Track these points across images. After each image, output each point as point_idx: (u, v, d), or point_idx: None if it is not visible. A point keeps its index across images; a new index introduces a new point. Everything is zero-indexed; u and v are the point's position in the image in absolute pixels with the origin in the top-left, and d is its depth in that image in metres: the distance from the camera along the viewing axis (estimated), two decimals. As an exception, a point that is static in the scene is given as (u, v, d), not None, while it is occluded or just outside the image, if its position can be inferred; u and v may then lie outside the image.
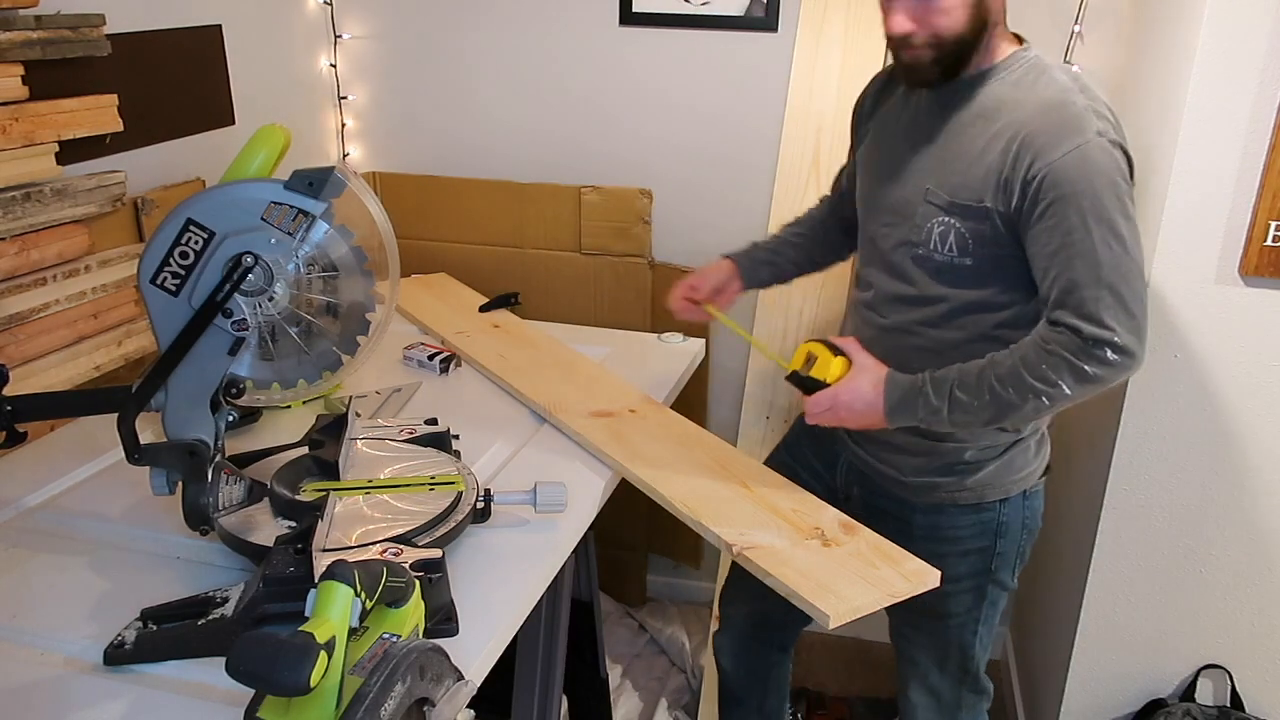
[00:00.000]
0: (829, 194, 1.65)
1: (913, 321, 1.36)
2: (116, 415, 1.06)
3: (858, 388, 1.29)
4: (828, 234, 1.62)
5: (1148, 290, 1.21)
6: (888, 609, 1.20)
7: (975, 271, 1.28)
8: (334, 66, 2.26)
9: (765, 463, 1.48)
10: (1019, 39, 1.31)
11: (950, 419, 1.25)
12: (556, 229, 2.21)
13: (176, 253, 1.06)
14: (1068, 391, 1.19)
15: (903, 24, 1.23)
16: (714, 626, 1.99)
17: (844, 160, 1.60)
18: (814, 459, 1.57)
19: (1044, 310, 1.22)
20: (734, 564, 1.26)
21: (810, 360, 1.33)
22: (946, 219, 1.27)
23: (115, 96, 1.56)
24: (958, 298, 1.31)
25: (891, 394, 1.27)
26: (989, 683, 1.58)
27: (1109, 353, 1.17)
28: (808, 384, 1.31)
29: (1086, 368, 1.18)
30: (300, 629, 0.75)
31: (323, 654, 0.74)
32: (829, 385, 1.31)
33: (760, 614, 1.70)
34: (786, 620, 1.49)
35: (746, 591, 1.67)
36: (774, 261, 1.61)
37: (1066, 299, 1.18)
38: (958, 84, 1.29)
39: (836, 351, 1.31)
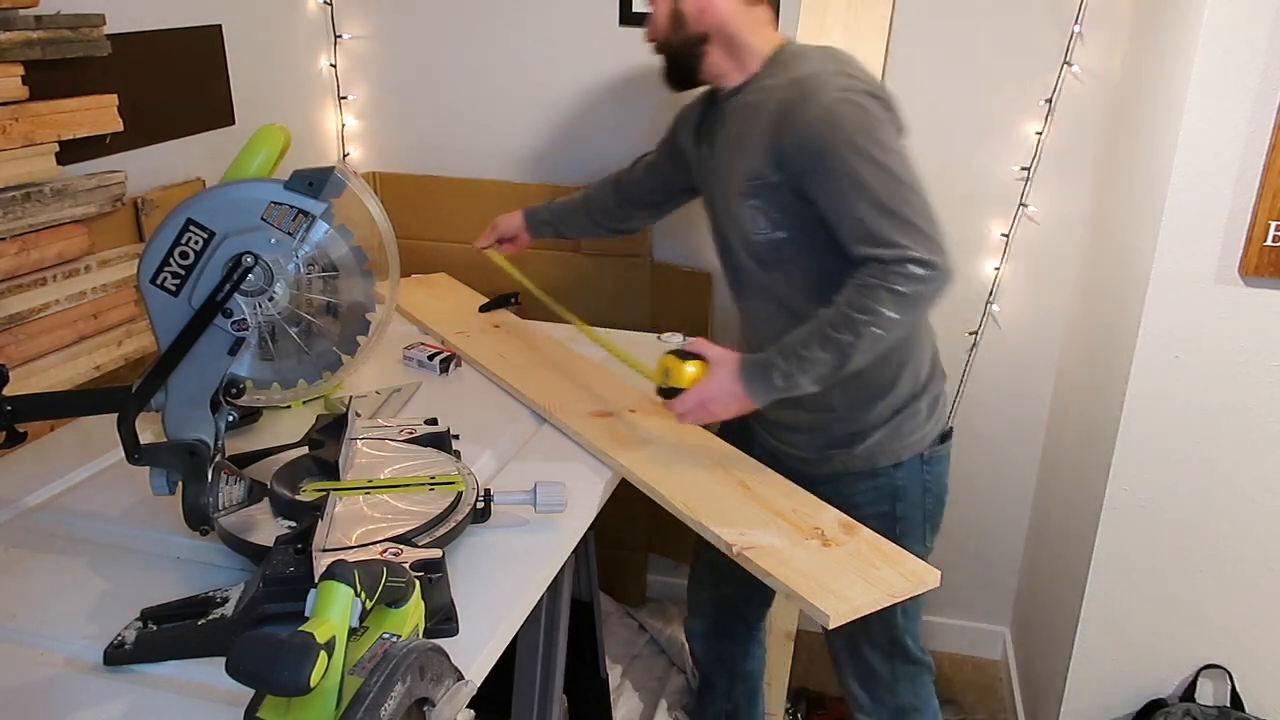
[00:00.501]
0: (629, 167, 1.83)
1: (780, 309, 1.48)
2: (116, 415, 1.06)
3: (718, 381, 1.38)
4: (609, 213, 1.85)
5: (930, 205, 1.32)
6: None
7: (793, 241, 1.42)
8: (334, 66, 2.26)
9: None
10: (783, 39, 1.47)
11: (805, 377, 1.33)
12: (556, 229, 2.20)
13: (176, 253, 1.06)
14: (892, 315, 1.28)
15: (649, 29, 1.52)
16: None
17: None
18: (734, 441, 1.60)
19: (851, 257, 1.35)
20: (697, 551, 1.29)
21: (667, 372, 1.41)
22: (751, 201, 1.42)
23: (115, 96, 1.56)
24: (797, 271, 1.44)
25: (746, 375, 1.36)
26: (924, 654, 1.62)
27: (911, 268, 1.27)
28: (671, 394, 1.41)
29: (898, 288, 1.27)
30: (300, 629, 0.75)
31: (323, 654, 0.74)
32: (685, 389, 1.39)
33: (723, 597, 1.80)
34: (748, 602, 1.58)
35: (709, 576, 1.81)
36: (554, 223, 1.89)
37: (860, 236, 1.31)
38: (733, 97, 1.47)
39: (686, 356, 1.41)
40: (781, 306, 1.48)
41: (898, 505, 1.52)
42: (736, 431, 1.63)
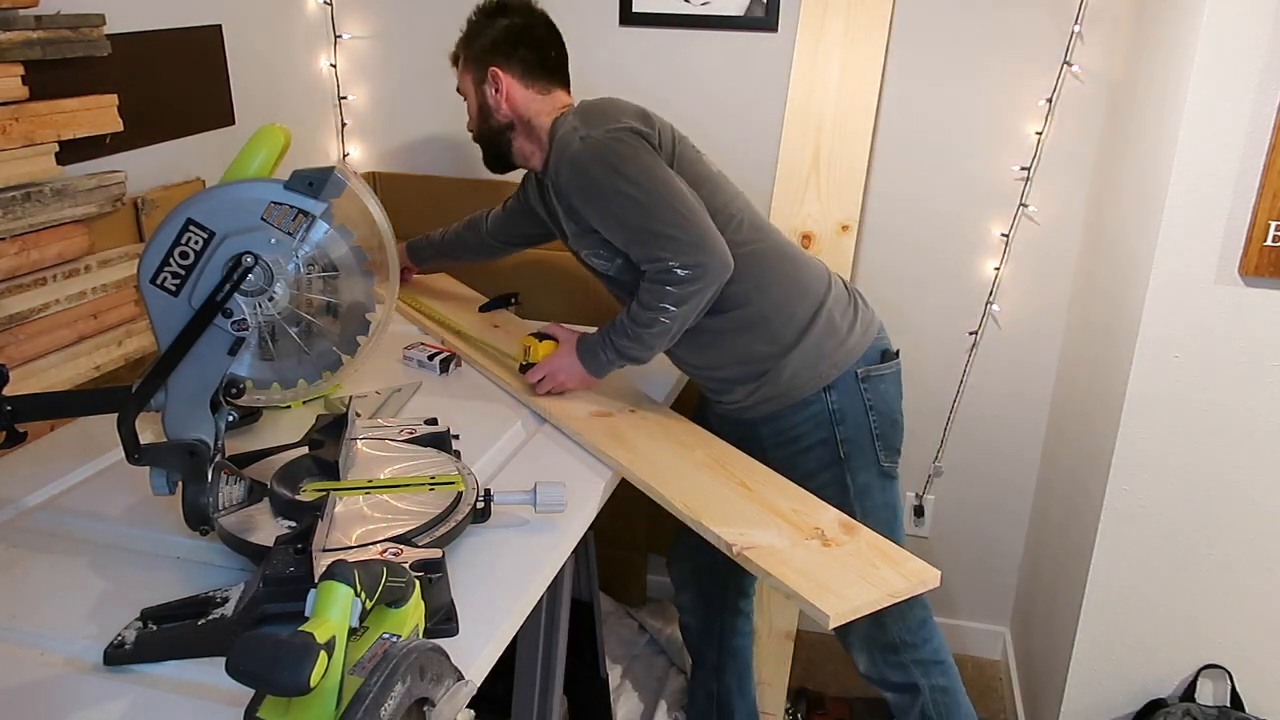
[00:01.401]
0: (499, 209, 1.96)
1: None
2: (116, 415, 1.06)
3: (561, 355, 1.61)
4: (484, 248, 2.00)
5: (687, 208, 1.50)
6: None
7: (627, 264, 1.59)
8: (334, 66, 2.26)
9: None
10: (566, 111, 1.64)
11: (624, 358, 1.56)
12: (556, 229, 2.21)
13: (176, 253, 1.06)
14: (672, 308, 1.49)
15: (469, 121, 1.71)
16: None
17: (840, 161, 1.80)
18: (704, 420, 1.72)
19: None
20: (675, 529, 1.33)
21: (526, 351, 1.66)
22: (581, 250, 1.66)
23: (115, 96, 1.56)
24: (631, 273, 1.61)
25: (581, 352, 1.58)
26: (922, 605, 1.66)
27: (677, 272, 1.47)
28: (527, 368, 1.64)
29: (669, 288, 1.48)
30: (300, 629, 0.75)
31: (323, 654, 0.74)
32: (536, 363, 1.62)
33: (706, 565, 1.84)
34: (730, 564, 1.57)
35: (687, 548, 1.88)
36: (438, 254, 2.06)
37: (637, 259, 1.52)
38: (545, 174, 1.65)
39: (543, 338, 1.66)
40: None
41: (838, 428, 1.59)
42: (699, 408, 1.81)
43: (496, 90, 1.63)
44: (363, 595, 0.81)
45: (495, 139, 1.68)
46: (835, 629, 1.68)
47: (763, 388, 1.60)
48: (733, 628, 1.91)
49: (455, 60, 1.71)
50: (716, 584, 1.89)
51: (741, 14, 2.03)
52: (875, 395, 1.60)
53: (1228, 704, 1.74)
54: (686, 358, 1.67)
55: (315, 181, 1.07)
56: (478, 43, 1.65)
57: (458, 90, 1.71)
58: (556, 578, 1.25)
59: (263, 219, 1.07)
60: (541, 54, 1.65)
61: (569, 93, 1.67)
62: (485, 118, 1.67)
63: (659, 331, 1.52)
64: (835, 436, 1.59)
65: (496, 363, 1.73)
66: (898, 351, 1.66)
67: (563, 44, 1.69)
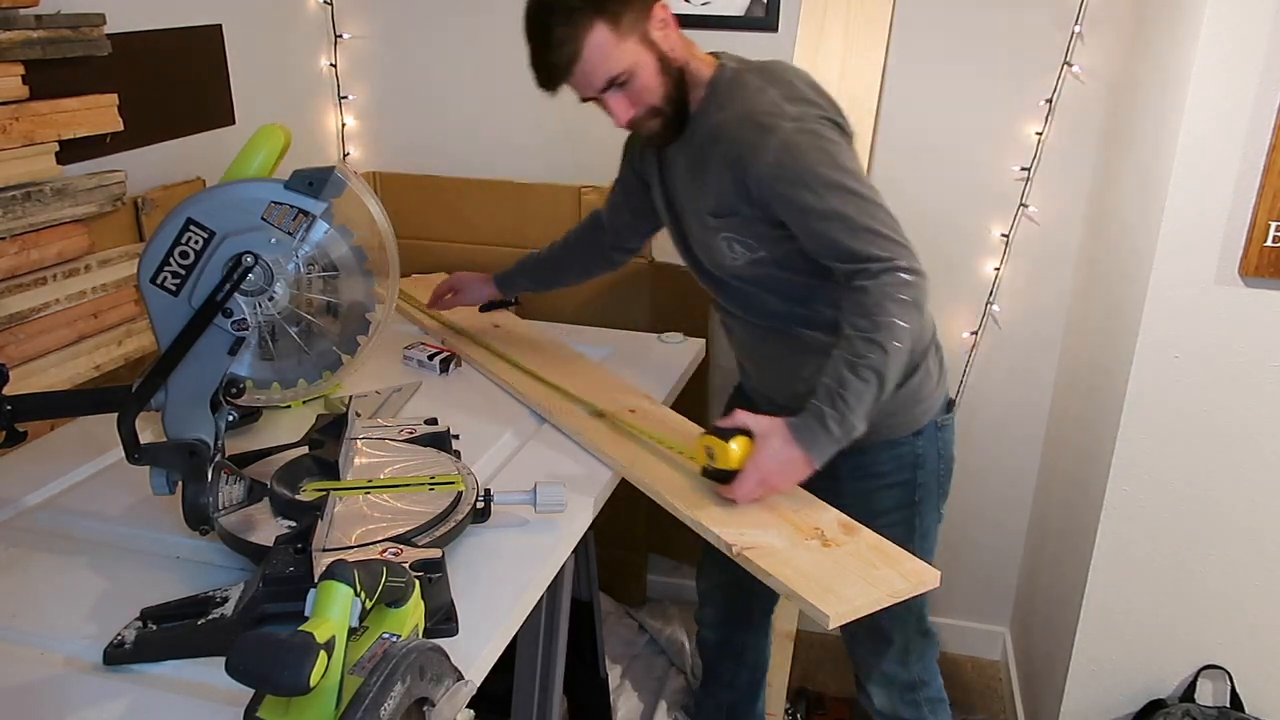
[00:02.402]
0: (600, 210, 1.76)
1: (767, 316, 1.49)
2: (116, 415, 1.06)
3: (772, 451, 1.28)
4: (597, 250, 1.78)
5: (895, 219, 1.34)
6: None
7: (771, 258, 1.41)
8: (334, 66, 2.26)
9: None
10: (714, 55, 1.43)
11: (855, 415, 1.28)
12: (556, 229, 2.19)
13: (176, 252, 1.06)
14: (903, 323, 1.27)
15: (625, 113, 1.37)
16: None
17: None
18: None
19: (836, 276, 1.35)
20: (705, 544, 1.30)
21: (710, 454, 1.31)
22: (724, 234, 1.41)
23: (115, 96, 1.56)
24: (779, 280, 1.44)
25: (801, 436, 1.28)
26: (934, 627, 1.64)
27: (901, 275, 1.28)
28: (720, 476, 1.31)
29: (900, 295, 1.27)
30: (300, 629, 0.75)
31: (322, 654, 0.74)
32: (736, 470, 1.29)
33: (734, 582, 1.78)
34: (760, 585, 1.54)
35: (715, 564, 1.76)
36: (537, 281, 1.85)
37: (842, 255, 1.31)
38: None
39: (726, 434, 1.30)
40: (766, 312, 1.49)
41: (918, 473, 1.53)
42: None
43: (665, 30, 1.35)
44: (363, 595, 0.81)
45: (680, 96, 1.38)
46: (858, 672, 1.68)
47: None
48: (754, 645, 1.89)
49: (573, 52, 1.30)
50: (742, 601, 1.85)
51: (741, 14, 2.03)
52: (944, 444, 1.56)
53: (1228, 704, 1.74)
54: (774, 374, 1.56)
55: (315, 181, 1.07)
56: None
57: (612, 83, 1.33)
58: (556, 578, 1.25)
59: (263, 219, 1.07)
60: None
61: None
62: (668, 74, 1.35)
63: (894, 357, 1.27)
64: (914, 480, 1.53)
65: (667, 443, 1.44)
66: (953, 399, 1.61)
67: None
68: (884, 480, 1.53)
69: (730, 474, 1.29)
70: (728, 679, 1.91)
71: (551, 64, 1.33)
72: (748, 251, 1.41)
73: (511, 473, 1.39)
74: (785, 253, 1.39)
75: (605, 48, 1.30)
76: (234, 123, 1.93)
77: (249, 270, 1.07)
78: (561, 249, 1.81)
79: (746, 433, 1.29)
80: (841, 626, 1.62)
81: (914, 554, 1.36)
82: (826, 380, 1.29)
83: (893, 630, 1.60)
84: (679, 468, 1.40)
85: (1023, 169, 2.01)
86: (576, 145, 2.20)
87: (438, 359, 1.74)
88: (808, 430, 1.28)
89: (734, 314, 1.56)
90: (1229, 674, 1.74)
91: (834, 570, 1.18)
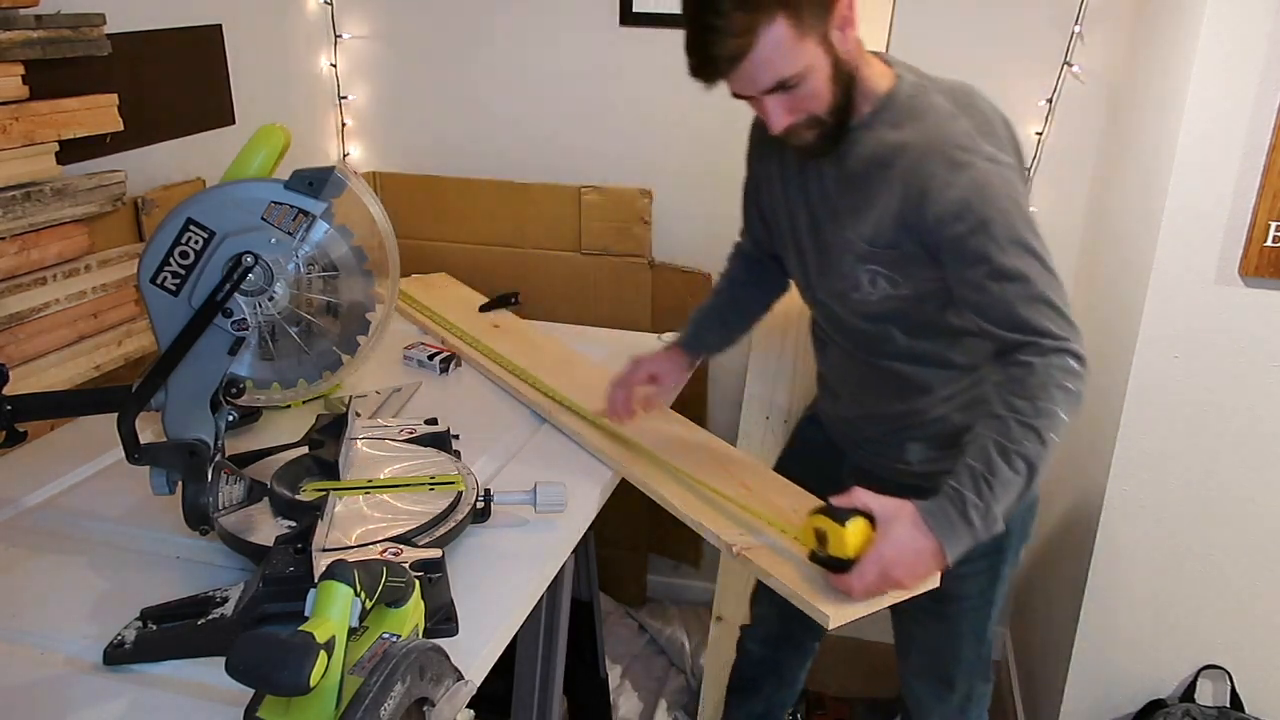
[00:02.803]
0: (741, 240, 1.58)
1: (878, 352, 1.35)
2: (116, 415, 1.06)
3: (900, 539, 1.11)
4: (760, 287, 1.57)
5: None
6: (893, 605, 1.18)
7: (913, 296, 1.26)
8: (334, 66, 2.26)
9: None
10: (886, 63, 1.26)
11: (1000, 506, 1.12)
12: (556, 229, 2.21)
13: (176, 252, 1.06)
14: (1065, 418, 1.13)
15: (783, 119, 1.18)
16: (713, 627, 1.99)
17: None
18: (818, 463, 1.51)
19: (990, 341, 1.19)
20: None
21: (822, 537, 1.13)
22: (871, 266, 1.25)
23: (115, 96, 1.56)
24: (911, 321, 1.29)
25: (937, 525, 1.12)
26: (994, 674, 1.57)
27: (1072, 362, 1.13)
28: (833, 564, 1.13)
29: (1068, 385, 1.13)
30: (300, 629, 0.76)
31: (322, 654, 0.74)
32: (853, 558, 1.11)
33: (791, 609, 1.62)
34: None
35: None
36: (725, 332, 1.58)
37: (1013, 323, 1.15)
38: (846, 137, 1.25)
39: (842, 516, 1.12)
40: (879, 349, 1.34)
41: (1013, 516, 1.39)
42: (820, 446, 1.52)
43: (845, 28, 1.17)
44: (363, 595, 0.81)
45: (847, 106, 1.21)
46: (911, 712, 1.58)
47: (949, 460, 1.28)
48: (799, 664, 1.80)
49: (745, 44, 1.11)
50: (796, 627, 1.69)
51: (741, 14, 2.03)
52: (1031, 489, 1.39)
53: (1228, 704, 1.74)
54: (867, 404, 1.41)
55: (315, 181, 1.07)
56: None
57: (780, 85, 1.15)
58: (556, 578, 1.25)
59: (263, 219, 1.07)
60: None
61: None
62: (840, 79, 1.18)
63: (1050, 451, 1.13)
64: (1008, 524, 1.37)
65: (765, 517, 1.29)
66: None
67: None
68: None
69: (845, 562, 1.11)
70: (766, 693, 1.81)
71: (716, 55, 1.13)
72: (889, 286, 1.25)
73: (511, 473, 1.39)
74: (930, 290, 1.24)
75: (783, 45, 1.11)
76: (234, 123, 1.93)
77: (249, 270, 1.07)
78: (728, 284, 1.58)
79: (865, 514, 1.13)
80: (903, 662, 1.56)
81: (991, 602, 1.36)
82: (972, 462, 1.13)
83: (959, 678, 1.50)
84: (678, 466, 1.40)
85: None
86: (576, 145, 2.20)
87: (438, 359, 1.74)
88: (944, 517, 1.12)
89: (837, 341, 1.42)
90: (1229, 674, 1.74)
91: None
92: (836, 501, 1.15)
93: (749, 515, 1.28)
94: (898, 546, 1.11)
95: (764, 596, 1.77)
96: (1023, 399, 1.13)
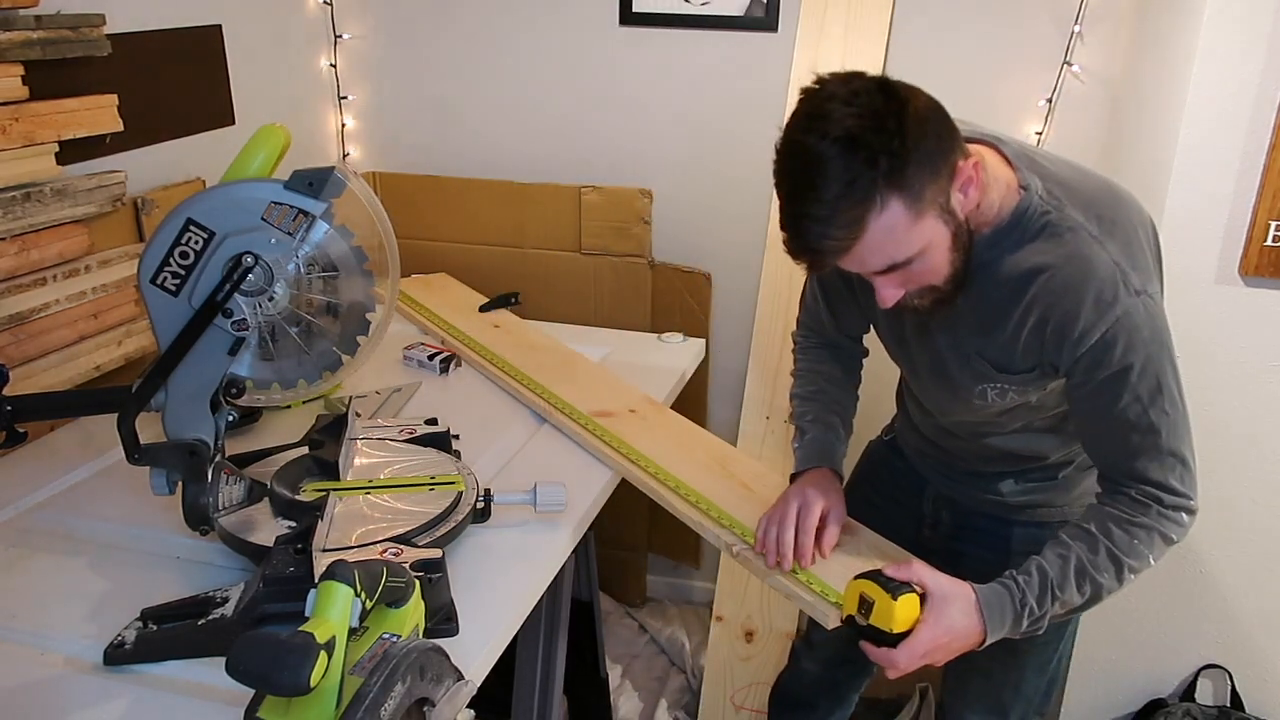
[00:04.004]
0: (813, 332, 1.45)
1: (973, 432, 1.29)
2: (116, 415, 1.06)
3: (951, 621, 1.07)
4: (850, 379, 1.44)
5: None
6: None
7: (1029, 404, 1.20)
8: (334, 66, 2.26)
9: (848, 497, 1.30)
10: (1003, 156, 1.11)
11: (1048, 618, 1.10)
12: (556, 229, 2.21)
13: (176, 253, 1.06)
14: (1153, 559, 1.10)
15: (894, 295, 1.07)
16: (713, 627, 1.99)
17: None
18: (896, 489, 1.46)
19: (1103, 473, 1.15)
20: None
21: (866, 604, 1.08)
22: (997, 385, 1.16)
23: (115, 96, 1.56)
24: (1014, 421, 1.24)
25: (990, 614, 1.08)
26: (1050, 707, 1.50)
27: (1185, 516, 1.10)
28: (869, 634, 1.08)
29: (1171, 535, 1.09)
30: (300, 629, 0.76)
31: (323, 654, 0.74)
32: (895, 633, 1.06)
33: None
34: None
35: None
36: (843, 433, 1.40)
37: (1137, 478, 1.10)
38: None
39: (894, 589, 1.06)
40: (982, 435, 1.28)
41: None
42: (900, 471, 1.45)
43: (968, 187, 1.04)
44: (363, 595, 0.81)
45: (967, 267, 1.08)
46: None
47: (1041, 494, 1.29)
48: (856, 687, 1.68)
49: (856, 232, 0.98)
50: (858, 652, 1.62)
51: (741, 14, 2.03)
52: None
53: (1228, 704, 1.74)
54: (956, 456, 1.35)
55: (315, 181, 1.07)
56: (916, 149, 0.98)
57: (894, 267, 1.03)
58: (556, 578, 1.25)
59: (263, 219, 1.07)
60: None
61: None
62: (960, 245, 1.06)
63: (1126, 585, 1.10)
64: None
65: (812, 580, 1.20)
66: None
67: None
68: None
69: (885, 634, 1.06)
70: (822, 713, 1.68)
71: (819, 249, 1.00)
72: (1017, 396, 1.17)
73: (511, 473, 1.39)
74: (1046, 400, 1.19)
75: (897, 231, 0.98)
76: (234, 123, 1.93)
77: (249, 270, 1.07)
78: (828, 381, 1.41)
79: (919, 592, 1.07)
80: (954, 690, 1.45)
81: (1061, 643, 1.34)
82: (1046, 565, 1.09)
83: (1014, 707, 1.42)
84: (679, 468, 1.40)
85: (1023, 169, 2.00)
86: (576, 145, 2.20)
87: (438, 359, 1.74)
88: (999, 608, 1.08)
89: (937, 420, 1.33)
90: (1229, 674, 1.74)
91: (834, 570, 1.18)
92: (891, 573, 1.08)
93: (741, 533, 1.27)
94: (950, 631, 1.07)
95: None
96: (1123, 531, 1.09)
